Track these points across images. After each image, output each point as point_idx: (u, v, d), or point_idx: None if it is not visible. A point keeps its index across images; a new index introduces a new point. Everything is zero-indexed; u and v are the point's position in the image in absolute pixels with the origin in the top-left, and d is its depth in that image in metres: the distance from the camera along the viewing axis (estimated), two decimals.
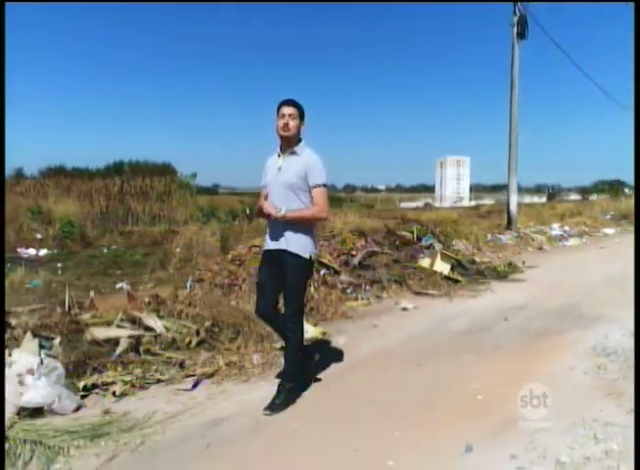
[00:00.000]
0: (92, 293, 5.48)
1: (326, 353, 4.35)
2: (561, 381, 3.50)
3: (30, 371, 3.50)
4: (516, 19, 12.07)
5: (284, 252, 3.21)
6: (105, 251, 14.27)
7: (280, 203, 3.19)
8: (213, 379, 3.81)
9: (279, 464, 2.56)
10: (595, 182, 65.67)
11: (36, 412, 3.23)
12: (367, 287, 7.29)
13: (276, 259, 3.26)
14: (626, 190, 54.31)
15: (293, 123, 3.21)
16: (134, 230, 18.90)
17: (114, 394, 3.56)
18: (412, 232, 9.94)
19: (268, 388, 3.50)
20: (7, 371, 3.49)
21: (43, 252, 13.76)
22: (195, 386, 3.70)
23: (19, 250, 13.58)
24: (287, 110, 3.23)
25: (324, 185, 3.26)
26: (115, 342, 4.29)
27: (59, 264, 10.89)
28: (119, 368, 3.87)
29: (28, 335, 3.82)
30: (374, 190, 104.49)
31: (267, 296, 3.39)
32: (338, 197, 46.78)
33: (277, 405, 3.18)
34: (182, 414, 3.19)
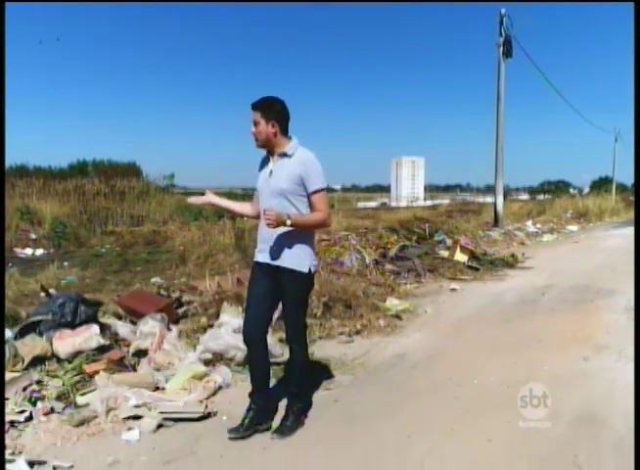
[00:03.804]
0: (216, 277, 6.73)
1: (428, 318, 5.90)
2: (614, 326, 5.25)
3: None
4: (501, 40, 14.04)
5: (279, 268, 3.00)
6: (102, 250, 15.01)
7: None
8: (362, 335, 5.22)
9: (470, 372, 4.04)
10: (542, 182, 71.13)
11: None
12: (405, 274, 8.83)
13: (271, 274, 3.05)
14: (571, 190, 59.22)
15: (257, 130, 2.98)
16: (116, 230, 19.56)
17: None
18: (424, 229, 11.61)
19: (409, 339, 5.04)
20: (218, 330, 4.80)
21: (39, 252, 14.42)
22: (351, 337, 5.13)
23: (15, 250, 14.21)
24: (252, 116, 3.00)
25: (324, 189, 3.03)
26: None
27: (65, 264, 11.76)
28: None
29: (225, 303, 5.12)
30: (330, 190, 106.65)
31: (260, 316, 3.14)
32: None
33: (287, 428, 3.09)
34: (368, 353, 4.62)
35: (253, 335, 3.13)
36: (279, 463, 2.75)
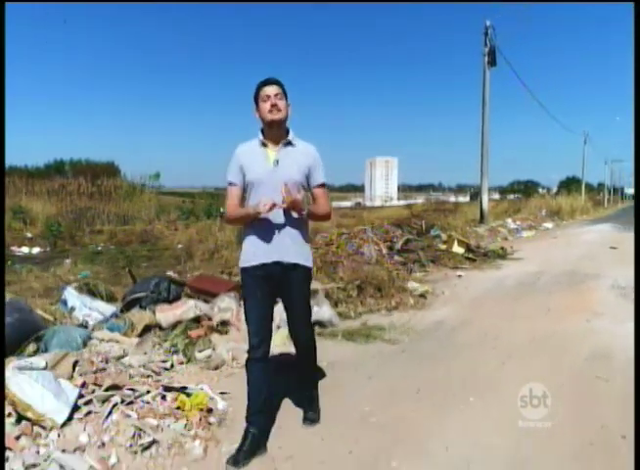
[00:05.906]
0: None
1: (448, 297, 7.06)
2: (605, 301, 6.51)
3: None
4: (487, 49, 15.44)
5: (292, 265, 2.88)
6: (98, 248, 15.68)
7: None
8: (399, 310, 6.33)
9: (499, 332, 5.18)
10: (511, 182, 74.25)
11: (318, 325, 5.59)
12: (411, 265, 10.00)
13: (273, 276, 2.88)
14: (539, 189, 62.08)
15: (282, 103, 2.85)
16: (104, 229, 20.18)
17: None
18: (421, 225, 12.84)
19: (440, 311, 6.20)
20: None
21: (36, 250, 15.06)
22: (390, 311, 6.24)
23: (12, 248, 14.84)
24: (271, 90, 2.84)
25: (326, 183, 3.06)
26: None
27: (67, 261, 12.52)
28: (339, 305, 6.32)
29: None
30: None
31: (267, 334, 2.93)
32: None
33: (314, 415, 3.28)
34: (410, 322, 5.72)
35: (263, 349, 2.91)
36: (382, 389, 3.82)
